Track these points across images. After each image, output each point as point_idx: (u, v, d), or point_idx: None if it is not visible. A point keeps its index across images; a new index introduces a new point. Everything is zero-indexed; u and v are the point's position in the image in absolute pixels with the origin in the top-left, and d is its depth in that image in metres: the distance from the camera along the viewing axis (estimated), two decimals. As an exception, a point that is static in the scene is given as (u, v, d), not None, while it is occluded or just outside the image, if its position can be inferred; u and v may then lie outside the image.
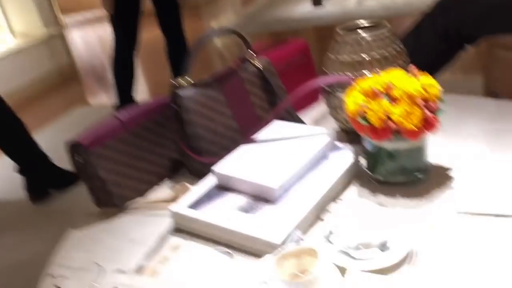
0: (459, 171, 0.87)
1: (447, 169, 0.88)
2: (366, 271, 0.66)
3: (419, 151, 0.85)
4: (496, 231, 0.72)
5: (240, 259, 0.77)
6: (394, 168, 0.85)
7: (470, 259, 0.68)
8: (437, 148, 0.88)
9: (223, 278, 0.73)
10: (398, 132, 0.79)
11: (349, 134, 1.00)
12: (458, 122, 1.01)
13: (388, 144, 0.83)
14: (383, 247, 0.70)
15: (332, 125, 1.05)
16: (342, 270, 0.67)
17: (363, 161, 0.92)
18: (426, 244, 0.71)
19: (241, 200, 0.84)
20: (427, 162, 0.87)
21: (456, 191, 0.82)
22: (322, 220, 0.81)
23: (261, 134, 0.96)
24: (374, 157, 0.87)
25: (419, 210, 0.80)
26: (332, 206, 0.84)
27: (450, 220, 0.76)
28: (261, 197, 0.83)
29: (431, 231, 0.74)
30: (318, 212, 0.82)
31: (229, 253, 0.78)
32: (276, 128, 0.98)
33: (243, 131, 0.99)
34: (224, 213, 0.82)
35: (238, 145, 0.94)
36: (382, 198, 0.84)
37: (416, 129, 0.78)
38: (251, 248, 0.77)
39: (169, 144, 1.02)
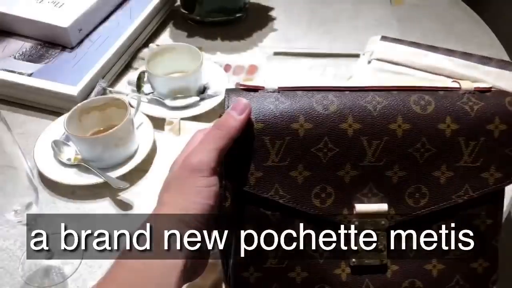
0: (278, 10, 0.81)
1: (267, 8, 0.82)
2: (186, 119, 0.59)
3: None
4: (307, 68, 0.70)
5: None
6: (213, 7, 0.75)
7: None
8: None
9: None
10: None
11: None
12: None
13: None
14: (201, 93, 0.63)
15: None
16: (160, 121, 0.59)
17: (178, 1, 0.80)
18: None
19: (25, 46, 0.67)
20: (246, 0, 0.79)
21: (275, 31, 0.78)
22: (135, 68, 0.69)
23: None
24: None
25: (239, 51, 0.74)
26: (146, 52, 0.72)
27: (270, 59, 0.72)
28: (51, 41, 0.67)
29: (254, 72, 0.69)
30: (128, 58, 0.70)
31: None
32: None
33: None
34: (5, 63, 0.64)
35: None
36: (201, 40, 0.75)
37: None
38: (47, 105, 0.63)
39: None
